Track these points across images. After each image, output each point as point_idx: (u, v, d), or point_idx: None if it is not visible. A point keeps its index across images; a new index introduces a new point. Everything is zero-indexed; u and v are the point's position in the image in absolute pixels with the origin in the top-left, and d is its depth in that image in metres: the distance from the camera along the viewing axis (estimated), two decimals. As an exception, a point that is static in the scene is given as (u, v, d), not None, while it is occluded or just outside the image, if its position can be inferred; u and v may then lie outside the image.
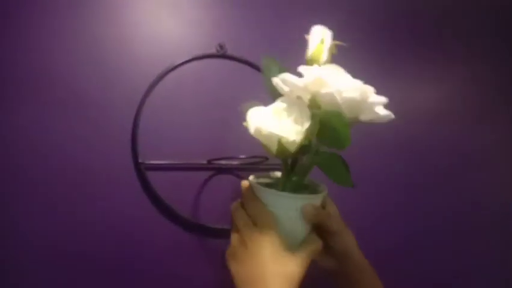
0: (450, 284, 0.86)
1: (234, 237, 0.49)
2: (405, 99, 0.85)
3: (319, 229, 0.52)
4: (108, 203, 0.65)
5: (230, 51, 0.71)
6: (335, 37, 0.53)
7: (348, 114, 0.46)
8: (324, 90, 0.44)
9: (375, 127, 0.74)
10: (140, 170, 0.66)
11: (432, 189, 0.85)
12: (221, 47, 0.71)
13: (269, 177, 0.58)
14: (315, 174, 0.52)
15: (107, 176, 0.65)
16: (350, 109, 0.45)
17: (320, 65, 0.48)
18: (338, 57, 0.53)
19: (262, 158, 0.68)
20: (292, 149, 0.47)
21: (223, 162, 0.70)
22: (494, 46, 0.93)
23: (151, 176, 0.66)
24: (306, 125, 0.45)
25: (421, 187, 0.85)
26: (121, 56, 0.66)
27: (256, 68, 0.72)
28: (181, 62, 0.69)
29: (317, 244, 0.50)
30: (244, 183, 0.53)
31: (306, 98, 0.47)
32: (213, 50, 0.71)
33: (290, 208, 0.49)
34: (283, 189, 0.51)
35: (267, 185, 0.52)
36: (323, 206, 0.54)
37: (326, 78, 0.45)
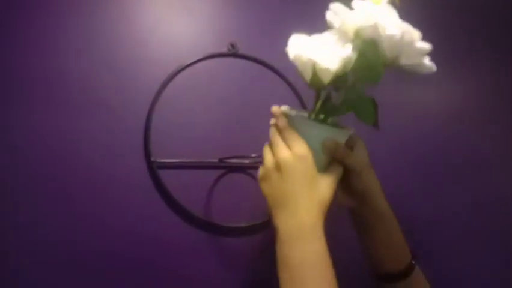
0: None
1: (269, 161, 0.51)
2: (416, 100, 0.82)
3: (342, 165, 0.53)
4: (121, 201, 0.65)
5: (241, 50, 0.72)
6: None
7: (388, 54, 0.46)
8: (367, 23, 0.45)
9: (388, 128, 0.74)
10: (153, 169, 0.66)
11: (441, 190, 0.82)
12: (232, 46, 0.71)
13: (302, 112, 0.60)
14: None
15: (120, 175, 0.65)
16: (390, 48, 0.46)
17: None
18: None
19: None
20: (327, 78, 0.49)
21: (234, 160, 0.69)
22: (506, 47, 0.88)
23: (163, 174, 0.66)
24: (343, 54, 0.47)
25: (429, 188, 0.82)
26: (135, 56, 0.68)
27: (267, 66, 0.72)
28: (192, 61, 0.69)
29: (340, 170, 0.52)
30: (275, 108, 0.54)
31: (352, 31, 0.48)
32: (224, 49, 0.71)
33: (315, 137, 0.51)
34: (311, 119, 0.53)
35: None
36: (350, 145, 0.55)
37: (373, 12, 0.45)
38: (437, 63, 0.78)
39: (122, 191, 0.65)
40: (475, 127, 0.85)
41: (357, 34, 0.47)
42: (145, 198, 0.65)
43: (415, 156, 0.80)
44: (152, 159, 0.65)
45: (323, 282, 0.45)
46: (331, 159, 0.53)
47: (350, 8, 0.48)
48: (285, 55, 0.51)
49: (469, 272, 0.83)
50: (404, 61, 0.47)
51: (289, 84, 0.74)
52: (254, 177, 0.69)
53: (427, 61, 0.48)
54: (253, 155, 0.66)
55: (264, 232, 0.70)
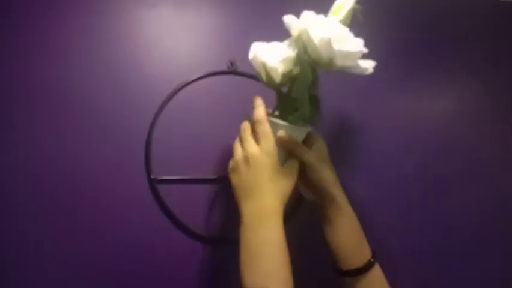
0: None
1: (239, 153, 0.57)
2: (416, 106, 0.80)
3: (300, 160, 0.58)
4: (122, 217, 0.68)
5: (240, 68, 0.74)
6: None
7: (324, 56, 0.52)
8: (302, 28, 0.52)
9: (385, 132, 0.78)
10: (153, 185, 0.69)
11: (441, 197, 0.78)
12: (232, 64, 0.74)
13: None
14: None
15: (122, 191, 0.68)
16: (324, 50, 0.51)
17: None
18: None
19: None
20: (277, 77, 0.56)
21: None
22: (506, 53, 0.83)
23: (163, 190, 0.69)
24: (284, 54, 0.54)
25: (430, 194, 0.78)
26: (136, 74, 0.71)
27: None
28: (193, 79, 0.72)
29: (297, 164, 0.58)
30: (257, 99, 0.59)
31: (296, 36, 0.55)
32: (224, 67, 0.74)
33: (275, 131, 0.57)
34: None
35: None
36: (310, 142, 0.60)
37: (309, 20, 0.52)
38: (439, 70, 0.80)
39: (123, 207, 0.68)
40: (474, 132, 0.81)
41: (299, 38, 0.54)
42: (146, 213, 0.69)
43: (414, 162, 0.80)
44: (152, 176, 0.69)
45: (278, 262, 0.50)
46: (288, 154, 0.58)
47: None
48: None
49: (467, 276, 0.78)
50: (340, 63, 0.52)
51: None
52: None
53: (364, 63, 0.52)
54: None
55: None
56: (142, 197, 0.69)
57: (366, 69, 0.52)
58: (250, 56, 0.58)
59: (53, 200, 0.67)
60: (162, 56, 0.73)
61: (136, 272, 0.68)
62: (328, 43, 0.50)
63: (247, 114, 0.61)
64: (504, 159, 0.81)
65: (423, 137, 0.80)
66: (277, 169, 0.55)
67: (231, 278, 0.72)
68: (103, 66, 0.70)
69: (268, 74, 0.57)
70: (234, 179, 0.57)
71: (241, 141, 0.58)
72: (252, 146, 0.56)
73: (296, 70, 0.56)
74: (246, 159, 0.55)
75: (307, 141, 0.61)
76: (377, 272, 0.59)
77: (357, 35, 0.52)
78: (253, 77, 0.73)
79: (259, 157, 0.54)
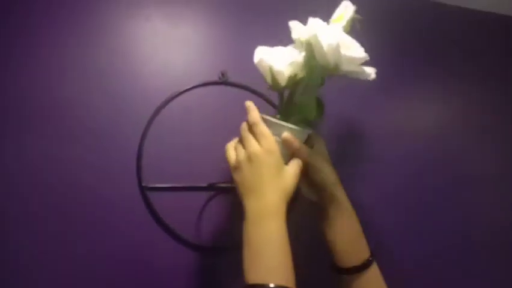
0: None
1: (241, 153, 0.57)
2: (408, 116, 0.85)
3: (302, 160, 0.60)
4: (113, 225, 0.68)
5: (231, 79, 0.76)
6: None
7: (331, 61, 0.55)
8: (311, 34, 0.54)
9: (379, 145, 0.81)
10: (144, 193, 0.70)
11: (434, 207, 0.82)
12: (223, 74, 0.75)
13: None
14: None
15: (113, 199, 0.69)
16: (331, 55, 0.54)
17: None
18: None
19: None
20: (283, 80, 0.59)
21: (223, 185, 0.72)
22: (498, 64, 0.90)
23: (154, 198, 0.70)
24: (292, 58, 0.56)
25: (423, 205, 0.82)
26: (130, 84, 0.72)
27: (256, 93, 0.76)
28: (185, 89, 0.74)
29: (300, 163, 0.59)
30: (249, 103, 0.61)
31: (304, 42, 0.58)
32: (215, 78, 0.76)
33: (277, 134, 0.58)
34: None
35: None
36: (311, 143, 0.63)
37: (317, 26, 0.55)
38: (432, 80, 0.85)
39: (114, 214, 0.69)
40: (467, 143, 0.87)
41: (307, 44, 0.56)
42: (136, 220, 0.69)
43: (414, 168, 0.83)
44: (143, 184, 0.70)
45: (280, 258, 0.51)
46: (292, 155, 0.60)
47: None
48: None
49: (466, 285, 0.82)
50: (345, 67, 0.55)
51: (276, 109, 0.78)
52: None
53: (367, 68, 0.55)
54: None
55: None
56: (133, 204, 0.70)
57: (369, 74, 0.56)
58: (256, 59, 0.60)
59: (44, 206, 0.66)
60: (155, 67, 0.74)
61: (126, 279, 0.68)
62: (336, 49, 0.53)
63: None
64: (505, 166, 0.86)
65: (424, 144, 0.84)
66: (280, 167, 0.57)
67: (222, 285, 0.72)
68: (96, 76, 0.71)
69: (274, 77, 0.59)
70: (237, 178, 0.58)
71: (242, 141, 0.59)
72: (253, 145, 0.57)
73: (301, 74, 0.58)
74: (249, 158, 0.56)
75: (308, 143, 0.63)
76: (374, 271, 0.61)
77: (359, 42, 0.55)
78: (244, 87, 0.76)
79: (261, 155, 0.56)
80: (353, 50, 0.54)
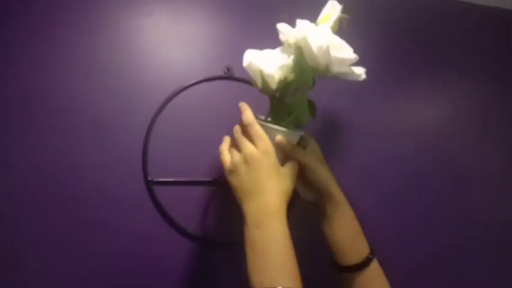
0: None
1: (236, 156, 0.57)
2: (410, 113, 0.85)
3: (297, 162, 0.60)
4: (118, 218, 0.69)
5: (237, 74, 0.75)
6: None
7: (321, 62, 0.55)
8: (300, 36, 0.54)
9: (381, 141, 0.81)
10: (150, 187, 0.70)
11: (434, 207, 0.83)
12: (228, 69, 0.75)
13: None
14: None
15: (119, 193, 0.69)
16: (321, 57, 0.54)
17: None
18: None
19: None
20: (273, 84, 0.58)
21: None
22: (500, 61, 0.90)
23: (159, 192, 0.70)
24: (282, 62, 0.56)
25: (423, 204, 0.83)
26: (135, 80, 0.72)
27: None
28: (190, 83, 0.73)
29: (296, 164, 0.59)
30: (243, 104, 0.61)
31: (293, 44, 0.57)
32: (220, 73, 0.75)
33: (270, 137, 0.58)
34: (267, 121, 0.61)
35: None
36: (304, 144, 0.63)
37: (306, 28, 0.54)
38: (433, 76, 0.85)
39: (120, 207, 0.69)
40: (468, 141, 0.86)
41: (296, 46, 0.56)
42: (142, 214, 0.70)
43: (406, 170, 0.83)
44: (149, 178, 0.70)
45: (285, 259, 0.51)
46: (286, 157, 0.60)
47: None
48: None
49: (464, 285, 0.83)
50: (336, 69, 0.55)
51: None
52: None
53: (357, 69, 0.55)
54: None
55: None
56: (138, 198, 0.70)
57: (359, 75, 0.56)
58: (245, 63, 0.59)
59: (50, 201, 0.67)
60: (160, 62, 0.74)
61: (131, 272, 0.68)
62: (326, 50, 0.53)
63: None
64: (506, 166, 0.87)
65: (422, 142, 0.84)
66: (277, 168, 0.57)
67: (226, 278, 0.73)
68: (100, 73, 0.71)
69: (264, 81, 0.58)
70: (234, 181, 0.57)
71: (237, 144, 0.59)
72: (249, 147, 0.56)
73: (291, 77, 0.58)
74: (245, 160, 0.56)
75: (301, 144, 0.63)
76: (375, 268, 0.62)
77: (351, 42, 0.55)
78: (250, 82, 0.73)
79: (258, 157, 0.55)
80: (343, 51, 0.54)
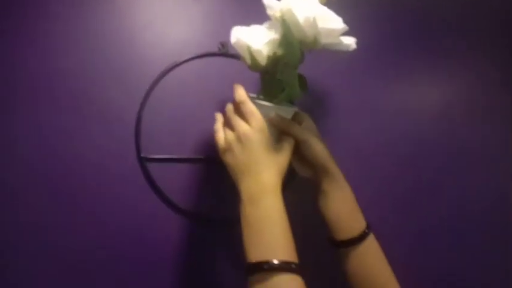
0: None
1: (230, 135, 0.57)
2: (409, 95, 0.83)
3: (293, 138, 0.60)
4: (112, 194, 0.70)
5: (231, 50, 0.72)
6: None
7: (308, 34, 0.53)
8: (286, 9, 0.53)
9: (379, 124, 0.79)
10: (143, 163, 0.70)
11: (434, 188, 0.81)
12: (223, 45, 0.74)
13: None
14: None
15: (111, 169, 0.70)
16: (309, 28, 0.53)
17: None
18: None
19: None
20: (262, 60, 0.57)
21: None
22: (500, 43, 0.86)
23: (152, 169, 0.71)
24: (269, 36, 0.55)
25: (423, 185, 0.81)
26: (127, 55, 0.71)
27: None
28: (184, 59, 0.73)
29: (292, 141, 0.59)
30: (237, 84, 0.60)
31: (279, 18, 0.56)
32: (215, 49, 0.74)
33: (263, 115, 0.57)
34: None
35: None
36: (298, 121, 0.63)
37: (292, 0, 0.53)
38: (433, 59, 0.82)
39: (113, 184, 0.70)
40: (465, 125, 0.84)
41: (282, 20, 0.55)
42: (135, 190, 0.70)
43: (402, 155, 0.82)
44: (142, 154, 0.70)
45: (280, 234, 0.51)
46: (282, 133, 0.60)
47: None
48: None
49: (447, 276, 0.82)
50: (324, 40, 0.54)
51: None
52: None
53: (346, 39, 0.54)
54: None
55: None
56: (131, 175, 0.71)
57: (349, 45, 0.54)
58: (233, 40, 0.58)
59: (42, 177, 0.68)
60: (153, 38, 0.73)
61: (123, 248, 0.70)
62: (313, 22, 0.51)
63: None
64: (494, 154, 0.84)
65: (418, 121, 0.82)
66: (271, 144, 0.57)
67: (220, 255, 0.73)
68: (93, 47, 0.71)
69: (253, 58, 0.57)
70: (229, 160, 0.57)
71: (230, 122, 0.59)
72: (242, 125, 0.56)
73: (280, 52, 0.57)
74: (239, 138, 0.56)
75: (295, 121, 0.62)
76: (372, 242, 0.62)
77: (342, 15, 0.53)
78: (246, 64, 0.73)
79: (251, 135, 0.55)
80: (331, 22, 0.53)
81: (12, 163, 0.68)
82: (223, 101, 0.63)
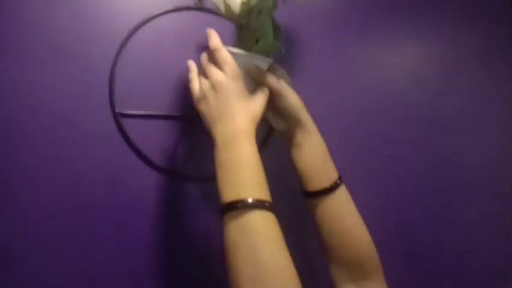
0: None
1: (204, 83, 0.56)
2: (391, 61, 0.83)
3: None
4: (86, 150, 0.68)
5: (208, 4, 0.72)
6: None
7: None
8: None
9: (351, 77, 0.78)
10: (117, 119, 0.69)
11: (409, 148, 0.83)
12: (199, 0, 0.72)
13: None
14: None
15: (85, 125, 0.68)
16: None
17: None
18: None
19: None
20: (235, 7, 0.56)
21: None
22: (483, 10, 0.86)
23: (127, 125, 0.69)
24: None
25: (408, 148, 0.83)
26: (101, 7, 0.69)
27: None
28: (159, 13, 0.70)
29: (267, 91, 0.59)
30: (210, 29, 0.59)
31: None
32: (191, 3, 0.72)
33: (239, 65, 0.57)
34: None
35: None
36: (274, 73, 0.62)
37: None
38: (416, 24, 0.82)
39: (87, 140, 0.68)
40: (442, 86, 0.85)
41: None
42: (109, 146, 0.69)
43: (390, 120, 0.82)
44: (117, 110, 0.69)
45: (254, 172, 0.52)
46: (256, 84, 0.59)
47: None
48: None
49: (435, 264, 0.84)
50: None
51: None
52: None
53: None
54: None
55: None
56: (106, 131, 0.69)
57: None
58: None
59: (14, 132, 0.65)
60: None
61: (98, 204, 0.68)
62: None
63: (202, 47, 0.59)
64: (480, 107, 0.86)
65: (399, 97, 0.83)
66: (246, 92, 0.56)
67: (196, 211, 0.73)
68: (64, 1, 0.68)
69: (227, 5, 0.56)
70: (203, 108, 0.57)
71: (204, 71, 0.58)
72: (216, 73, 0.55)
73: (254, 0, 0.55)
74: (213, 86, 0.55)
75: (271, 72, 0.62)
76: (344, 193, 0.63)
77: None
78: (221, 14, 0.69)
79: (225, 82, 0.55)
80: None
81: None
82: (199, 56, 0.61)
